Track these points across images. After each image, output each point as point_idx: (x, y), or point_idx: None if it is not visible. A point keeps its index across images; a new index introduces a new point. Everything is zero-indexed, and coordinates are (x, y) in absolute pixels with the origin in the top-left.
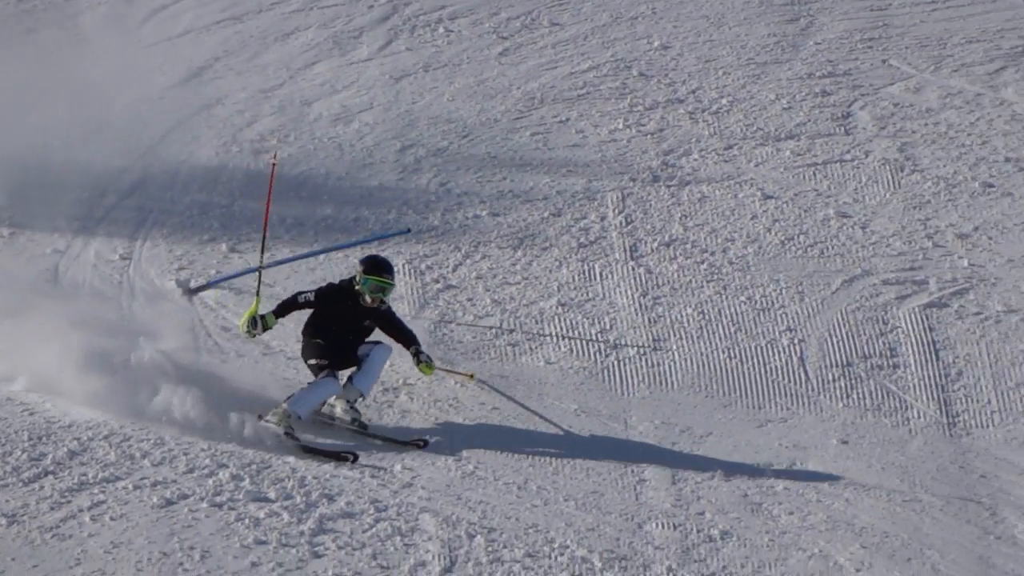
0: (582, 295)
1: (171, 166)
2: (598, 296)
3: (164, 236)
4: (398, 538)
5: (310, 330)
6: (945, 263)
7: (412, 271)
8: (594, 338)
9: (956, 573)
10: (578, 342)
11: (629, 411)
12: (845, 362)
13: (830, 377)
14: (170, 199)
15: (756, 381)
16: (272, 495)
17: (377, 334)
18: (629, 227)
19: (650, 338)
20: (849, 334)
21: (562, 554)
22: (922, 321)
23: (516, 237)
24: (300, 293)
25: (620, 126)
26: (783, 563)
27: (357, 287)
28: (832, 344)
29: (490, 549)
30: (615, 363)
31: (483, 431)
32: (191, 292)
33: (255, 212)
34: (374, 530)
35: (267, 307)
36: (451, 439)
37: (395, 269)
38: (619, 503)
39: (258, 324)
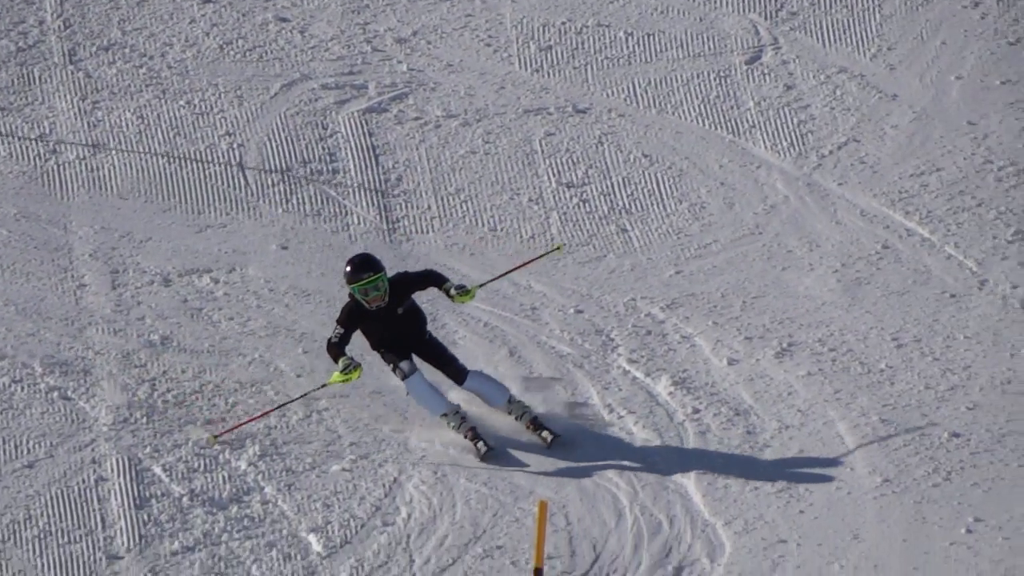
0: (20, 100)
1: None
2: (37, 100)
3: None
4: None
5: (374, 347)
6: (384, 68)
7: None
8: (33, 141)
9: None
10: (17, 145)
11: (69, 216)
12: (285, 167)
13: (269, 182)
14: None
15: (195, 186)
16: None
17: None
18: (68, 31)
19: (89, 143)
20: (288, 139)
21: (2, 359)
22: (362, 126)
23: None
24: (332, 335)
25: None
26: (224, 368)
27: (356, 298)
28: (271, 149)
29: None
30: (55, 167)
31: None
32: None
33: None
34: None
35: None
36: None
37: (376, 258)
38: (60, 308)
39: (352, 367)
